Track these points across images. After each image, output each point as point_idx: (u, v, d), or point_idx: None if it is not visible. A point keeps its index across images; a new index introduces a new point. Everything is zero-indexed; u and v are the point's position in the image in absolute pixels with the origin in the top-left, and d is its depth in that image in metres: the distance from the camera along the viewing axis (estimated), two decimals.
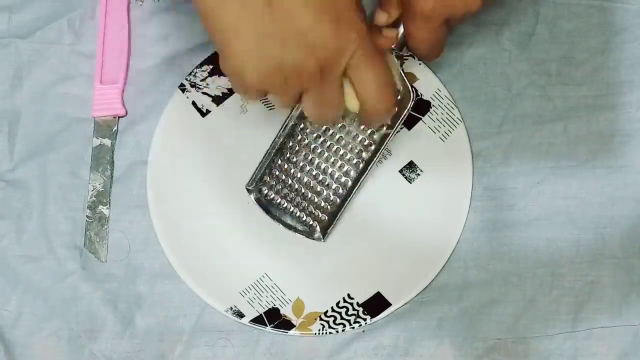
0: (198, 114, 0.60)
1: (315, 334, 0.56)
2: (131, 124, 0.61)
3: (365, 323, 0.56)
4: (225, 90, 0.60)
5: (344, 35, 0.45)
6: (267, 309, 0.56)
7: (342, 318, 0.56)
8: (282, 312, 0.56)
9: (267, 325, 0.56)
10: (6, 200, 0.60)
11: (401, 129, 0.56)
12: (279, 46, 0.44)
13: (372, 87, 0.48)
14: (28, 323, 0.58)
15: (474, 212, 0.58)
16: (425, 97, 0.58)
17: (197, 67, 0.60)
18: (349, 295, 0.56)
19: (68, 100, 0.62)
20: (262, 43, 0.44)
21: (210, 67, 0.60)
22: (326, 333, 0.56)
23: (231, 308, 0.56)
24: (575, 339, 0.56)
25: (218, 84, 0.60)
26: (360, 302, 0.56)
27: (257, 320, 0.56)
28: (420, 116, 0.58)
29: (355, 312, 0.56)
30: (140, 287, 0.59)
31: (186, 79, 0.60)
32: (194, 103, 0.60)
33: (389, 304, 0.56)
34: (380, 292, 0.56)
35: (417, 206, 0.57)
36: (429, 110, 0.58)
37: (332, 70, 0.46)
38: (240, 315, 0.56)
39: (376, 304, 0.56)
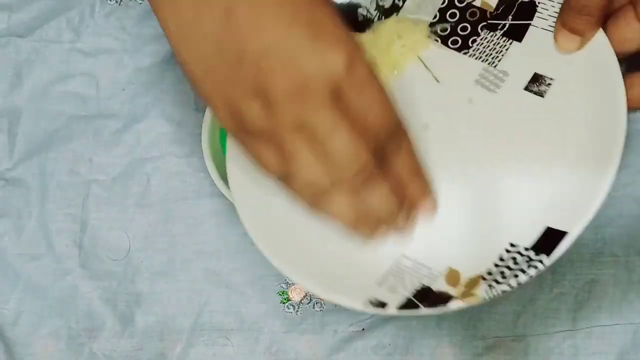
0: None
1: (485, 298, 0.44)
2: (131, 123, 0.61)
3: (543, 265, 0.44)
4: None
5: (325, 54, 0.37)
6: (415, 291, 0.46)
7: (510, 269, 0.45)
8: (434, 288, 0.46)
9: (418, 307, 0.45)
10: (6, 198, 0.60)
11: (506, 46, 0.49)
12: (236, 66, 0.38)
13: (383, 207, 0.41)
14: (28, 322, 0.58)
15: None
16: None
17: None
18: (511, 245, 0.46)
19: (68, 99, 0.62)
20: (216, 63, 0.38)
21: None
22: (498, 293, 0.44)
23: (370, 301, 0.45)
24: (575, 337, 0.56)
25: None
26: (528, 246, 0.45)
27: (406, 305, 0.45)
28: (528, 21, 0.49)
29: (526, 259, 0.45)
30: (140, 286, 0.59)
31: None
32: None
33: (563, 234, 0.44)
34: (550, 225, 0.45)
35: (559, 116, 0.47)
36: (535, 11, 0.49)
37: (315, 94, 0.37)
38: (382, 305, 0.45)
39: (549, 240, 0.45)
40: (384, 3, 0.53)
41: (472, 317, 0.57)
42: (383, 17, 0.53)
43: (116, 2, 0.63)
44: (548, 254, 0.44)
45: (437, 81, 0.50)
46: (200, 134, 0.58)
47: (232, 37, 0.37)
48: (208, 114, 0.58)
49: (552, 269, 0.57)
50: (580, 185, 0.45)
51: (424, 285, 0.46)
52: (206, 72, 0.39)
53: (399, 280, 0.47)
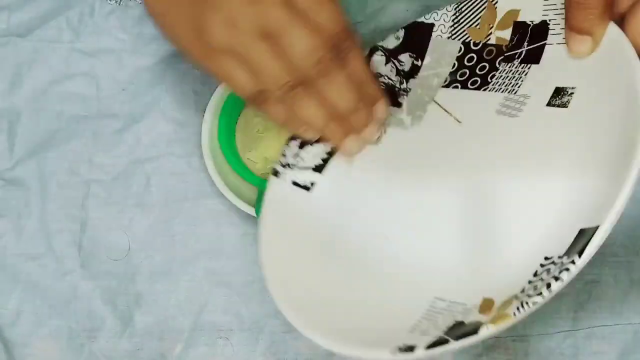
0: (303, 191, 0.54)
1: (516, 315, 0.42)
2: (131, 123, 0.61)
3: (574, 265, 0.41)
4: (325, 156, 0.54)
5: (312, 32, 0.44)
6: (447, 328, 0.44)
7: (542, 280, 0.42)
8: (467, 321, 0.44)
9: (448, 342, 0.42)
10: (5, 198, 0.60)
11: (525, 71, 0.50)
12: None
13: (343, 100, 0.46)
14: (27, 322, 0.58)
15: None
16: (536, 21, 0.50)
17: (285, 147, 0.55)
18: (545, 258, 0.44)
19: (67, 99, 0.61)
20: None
21: (299, 141, 0.54)
22: (529, 308, 0.41)
23: (399, 348, 0.43)
24: (576, 337, 0.56)
25: (314, 153, 0.54)
26: (562, 254, 0.43)
27: (435, 344, 0.42)
28: (543, 42, 0.50)
29: (559, 266, 0.42)
30: (140, 286, 0.59)
31: (278, 163, 0.54)
32: (294, 182, 0.54)
33: (594, 230, 0.42)
34: (582, 227, 0.43)
35: (584, 121, 0.46)
36: (548, 29, 0.49)
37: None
38: (411, 348, 0.43)
39: (581, 241, 0.42)
40: (403, 67, 0.55)
41: None
42: (404, 81, 0.54)
43: (116, 2, 0.63)
44: (580, 254, 0.42)
45: (459, 122, 0.51)
46: (200, 134, 0.58)
47: None
48: (208, 114, 0.58)
49: None
50: (609, 184, 0.43)
51: (456, 321, 0.44)
52: (171, 4, 0.45)
53: (433, 323, 0.45)
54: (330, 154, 0.54)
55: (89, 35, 0.62)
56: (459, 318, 0.44)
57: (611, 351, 0.56)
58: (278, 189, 0.54)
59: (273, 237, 0.52)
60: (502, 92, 0.50)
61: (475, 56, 0.53)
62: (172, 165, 0.60)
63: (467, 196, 0.49)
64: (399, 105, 0.54)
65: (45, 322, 0.58)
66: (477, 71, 0.52)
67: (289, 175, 0.54)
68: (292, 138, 0.54)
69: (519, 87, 0.50)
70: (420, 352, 0.42)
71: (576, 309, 0.56)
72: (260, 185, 0.55)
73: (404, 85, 0.55)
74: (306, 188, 0.54)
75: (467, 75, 0.53)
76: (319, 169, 0.54)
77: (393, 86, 0.55)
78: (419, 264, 0.49)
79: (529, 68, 0.50)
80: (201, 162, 0.58)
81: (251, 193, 0.58)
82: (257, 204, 0.56)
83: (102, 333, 0.58)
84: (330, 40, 0.45)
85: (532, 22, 0.50)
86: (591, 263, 0.56)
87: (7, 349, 0.58)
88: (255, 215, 0.56)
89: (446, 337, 0.42)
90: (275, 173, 0.54)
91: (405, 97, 0.54)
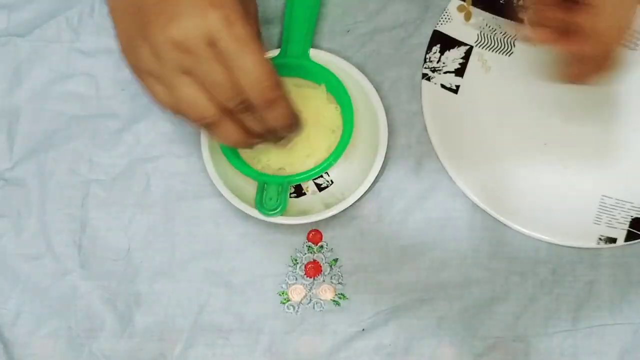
0: (451, 94, 0.60)
1: None
2: (131, 122, 0.61)
3: None
4: (461, 60, 0.60)
5: (205, 12, 0.44)
6: (629, 223, 0.57)
7: None
8: None
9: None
10: (5, 198, 0.60)
11: None
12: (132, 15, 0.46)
13: (245, 77, 0.46)
14: (27, 322, 0.58)
15: (475, 211, 0.58)
16: None
17: (427, 52, 0.60)
18: None
19: (67, 98, 0.61)
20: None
21: (439, 45, 0.60)
22: None
23: (600, 238, 0.57)
24: (576, 337, 0.56)
25: (453, 57, 0.60)
26: None
27: (629, 237, 0.56)
28: None
29: None
30: (140, 286, 0.59)
31: (425, 67, 0.60)
32: (442, 85, 0.60)
33: None
34: None
35: None
36: None
37: (196, 43, 0.44)
38: (613, 240, 0.56)
39: None
40: None
41: (472, 317, 0.57)
42: None
43: None
44: None
45: None
46: (200, 134, 0.58)
47: None
48: None
49: (552, 269, 0.57)
50: None
51: (632, 217, 0.57)
52: (121, 15, 0.48)
53: (612, 217, 0.57)
54: (465, 58, 0.60)
55: (89, 35, 0.62)
56: (634, 214, 0.57)
57: (611, 351, 0.56)
58: (431, 90, 0.60)
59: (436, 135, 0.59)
60: None
61: None
62: (172, 165, 0.60)
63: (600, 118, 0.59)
64: (520, 21, 0.59)
65: (45, 322, 0.58)
66: None
67: (437, 79, 0.60)
68: (433, 43, 0.60)
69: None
70: (620, 242, 0.56)
71: (576, 308, 0.56)
72: (259, 179, 0.56)
73: (521, 2, 0.59)
74: (453, 91, 0.60)
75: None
76: (460, 72, 0.60)
77: (511, 1, 0.60)
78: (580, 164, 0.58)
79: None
80: (201, 162, 0.58)
81: (251, 193, 0.58)
82: (258, 195, 0.56)
83: (102, 333, 0.58)
84: (252, 89, 0.46)
85: None
86: (590, 263, 0.57)
87: (7, 349, 0.58)
88: (255, 215, 0.56)
89: (635, 231, 0.56)
90: (427, 77, 0.60)
91: (524, 13, 0.58)
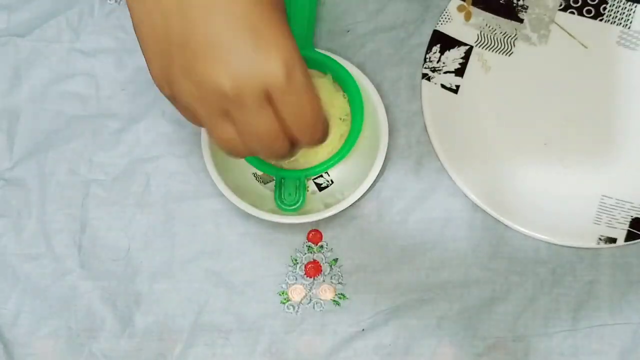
0: (451, 93, 0.60)
1: None
2: (131, 122, 0.61)
3: None
4: (461, 60, 0.60)
5: (265, 58, 0.39)
6: (629, 223, 0.57)
7: None
8: None
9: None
10: (5, 198, 0.60)
11: None
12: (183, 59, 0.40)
13: (299, 124, 0.42)
14: (27, 322, 0.58)
15: (475, 211, 0.58)
16: None
17: (427, 52, 0.60)
18: None
19: (67, 99, 0.61)
20: (163, 53, 0.40)
21: (439, 45, 0.60)
22: None
23: (599, 239, 0.57)
24: (575, 337, 0.56)
25: (453, 57, 0.60)
26: None
27: (628, 237, 0.57)
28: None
29: None
30: (140, 286, 0.59)
31: (425, 67, 0.60)
32: (442, 85, 0.60)
33: None
34: None
35: None
36: None
37: (250, 94, 0.39)
38: (613, 240, 0.56)
39: None
40: None
41: (472, 317, 0.57)
42: None
43: (116, 1, 0.63)
44: None
45: (585, 47, 0.59)
46: (200, 133, 0.58)
47: (181, 21, 0.39)
48: None
49: (552, 269, 0.57)
50: None
51: (632, 217, 0.57)
52: (151, 32, 0.40)
53: (612, 217, 0.57)
54: (465, 58, 0.60)
55: (89, 35, 0.62)
56: (634, 214, 0.57)
57: (611, 351, 0.56)
58: (431, 90, 0.60)
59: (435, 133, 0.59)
60: (617, 25, 0.59)
61: None
62: (172, 165, 0.60)
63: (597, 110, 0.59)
64: (520, 21, 0.60)
65: (44, 322, 0.58)
66: (589, 0, 0.60)
67: (437, 78, 0.60)
68: (433, 43, 0.60)
69: (630, 23, 0.59)
70: (620, 242, 0.56)
71: (576, 308, 0.56)
72: (277, 175, 0.57)
73: (521, 2, 0.60)
74: (453, 91, 0.60)
75: (580, 3, 0.60)
76: (459, 72, 0.60)
77: (511, 1, 0.60)
78: (580, 164, 0.59)
79: (635, 7, 0.59)
80: (201, 162, 0.58)
81: (251, 193, 0.58)
82: (276, 191, 0.57)
83: (102, 333, 0.58)
84: (302, 133, 0.42)
85: None
86: (590, 263, 0.57)
87: (7, 349, 0.58)
88: (255, 214, 0.56)
89: (635, 230, 0.56)
90: (426, 77, 0.60)
91: (524, 13, 0.60)
